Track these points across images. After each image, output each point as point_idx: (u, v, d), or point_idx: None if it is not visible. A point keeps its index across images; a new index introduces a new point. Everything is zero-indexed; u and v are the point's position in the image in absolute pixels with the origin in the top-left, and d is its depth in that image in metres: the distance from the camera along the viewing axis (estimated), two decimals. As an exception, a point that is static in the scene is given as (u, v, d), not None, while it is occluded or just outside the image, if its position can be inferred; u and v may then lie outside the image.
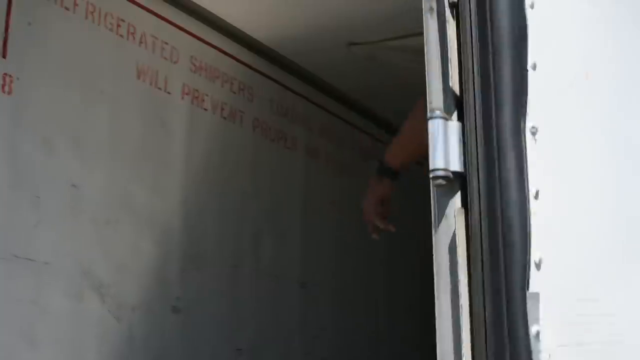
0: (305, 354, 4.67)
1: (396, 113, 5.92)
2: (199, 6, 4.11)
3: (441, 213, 1.49)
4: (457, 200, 1.48)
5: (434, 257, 1.48)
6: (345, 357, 5.02)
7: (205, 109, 4.22)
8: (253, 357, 4.26)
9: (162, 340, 3.76)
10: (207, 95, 4.24)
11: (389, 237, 5.69)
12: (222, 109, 4.33)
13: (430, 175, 1.46)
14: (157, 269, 3.79)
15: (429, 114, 1.46)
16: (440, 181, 1.46)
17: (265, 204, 4.55)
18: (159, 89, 3.94)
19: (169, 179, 3.95)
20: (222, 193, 4.25)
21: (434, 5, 1.53)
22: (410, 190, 5.98)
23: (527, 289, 1.40)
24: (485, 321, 1.40)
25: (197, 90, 4.17)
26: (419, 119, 1.94)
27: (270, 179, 4.62)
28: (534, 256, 1.42)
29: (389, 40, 4.55)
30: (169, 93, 3.99)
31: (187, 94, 4.10)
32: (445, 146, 1.44)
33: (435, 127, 1.45)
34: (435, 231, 1.50)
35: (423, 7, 1.53)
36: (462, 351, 1.42)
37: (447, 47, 1.51)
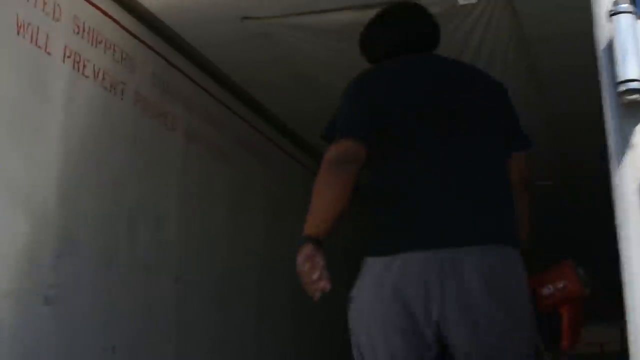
0: (178, 355, 4.28)
1: (283, 105, 5.66)
2: (82, -39, 3.67)
3: (625, 141, 1.14)
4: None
5: (615, 200, 1.15)
6: (222, 356, 4.68)
7: (87, 76, 3.76)
8: (128, 357, 3.83)
9: (33, 332, 3.27)
10: (88, 61, 3.77)
11: (266, 230, 5.44)
12: (104, 78, 3.88)
13: (618, 90, 1.13)
14: (29, 252, 3.29)
15: (611, 9, 1.13)
16: (636, 96, 1.11)
17: (142, 187, 4.13)
18: (39, 47, 3.45)
19: (46, 150, 3.46)
20: (99, 171, 3.80)
21: None
22: (290, 185, 5.78)
23: None
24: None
25: (79, 55, 3.70)
26: (328, 183, 2.28)
27: (148, 160, 4.20)
28: None
29: (285, 17, 4.26)
30: (49, 54, 3.51)
31: (68, 57, 3.63)
32: (638, 50, 1.09)
33: (622, 24, 1.11)
34: (618, 165, 1.15)
35: None
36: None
37: None
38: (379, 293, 2.26)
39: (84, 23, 3.75)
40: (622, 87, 1.07)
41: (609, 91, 1.12)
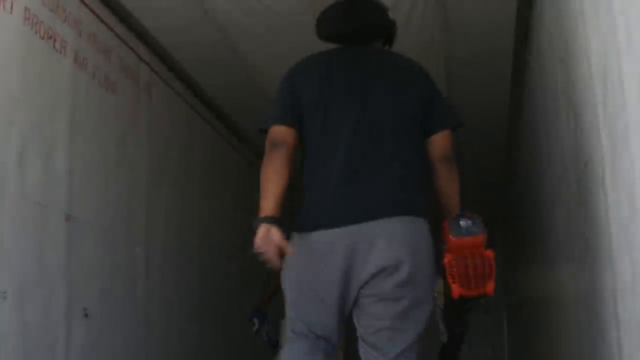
0: (69, 301, 3.90)
1: (172, 34, 5.25)
2: None
3: None
4: None
5: None
6: (109, 306, 4.34)
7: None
8: (18, 303, 3.43)
9: None
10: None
11: (150, 171, 5.10)
12: (-11, -11, 3.40)
13: None
14: None
15: None
16: None
17: (32, 116, 3.69)
18: None
19: None
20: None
21: None
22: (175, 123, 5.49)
23: None
24: None
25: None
26: (266, 166, 2.65)
27: (37, 84, 3.75)
28: None
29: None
30: None
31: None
32: None
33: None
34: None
35: None
36: None
37: None
38: (305, 255, 2.64)
39: None
40: None
41: None
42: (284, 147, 2.67)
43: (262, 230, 2.52)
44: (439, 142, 2.80)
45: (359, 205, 2.62)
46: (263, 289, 5.13)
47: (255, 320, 5.11)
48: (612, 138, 2.36)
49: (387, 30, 2.98)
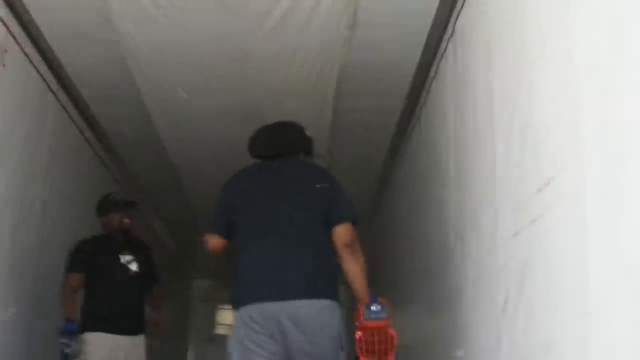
0: None
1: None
2: None
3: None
4: None
5: None
6: None
7: None
8: None
9: None
10: None
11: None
12: None
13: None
14: None
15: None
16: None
17: None
18: None
19: None
20: None
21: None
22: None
23: None
24: None
25: None
26: None
27: None
28: None
29: None
30: None
31: None
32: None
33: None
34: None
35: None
36: None
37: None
38: (241, 327, 3.49)
39: None
40: None
41: None
42: (217, 252, 3.79)
43: None
44: (340, 232, 3.58)
45: (281, 286, 3.45)
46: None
47: (68, 340, 4.69)
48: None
49: (302, 146, 3.90)
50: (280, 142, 3.85)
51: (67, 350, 4.76)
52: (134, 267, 5.20)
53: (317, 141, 6.22)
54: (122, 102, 5.89)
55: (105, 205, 5.29)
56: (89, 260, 5.05)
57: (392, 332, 3.57)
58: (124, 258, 5.18)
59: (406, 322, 6.10)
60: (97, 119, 6.25)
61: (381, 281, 7.77)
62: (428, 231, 5.11)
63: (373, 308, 3.54)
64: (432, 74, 4.92)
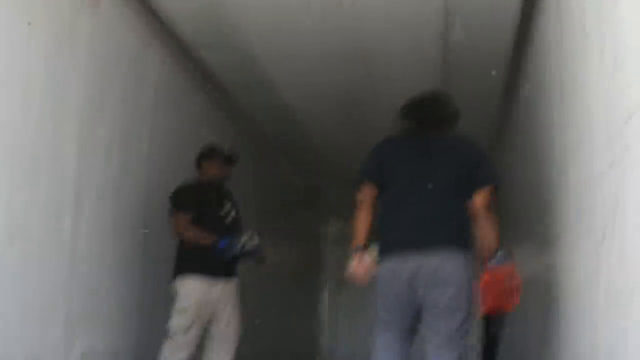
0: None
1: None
2: None
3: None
4: None
5: None
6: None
7: None
8: None
9: None
10: None
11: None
12: None
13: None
14: None
15: None
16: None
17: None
18: None
19: None
20: None
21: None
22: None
23: None
24: None
25: None
26: (356, 213, 4.04)
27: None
28: None
29: None
30: None
31: None
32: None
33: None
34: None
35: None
36: None
37: None
38: (384, 274, 3.94)
39: None
40: None
41: None
42: (368, 201, 4.05)
43: (356, 256, 3.97)
44: (479, 195, 3.92)
45: (422, 242, 3.85)
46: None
47: (227, 242, 4.92)
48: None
49: (449, 120, 4.19)
50: (430, 118, 4.15)
51: (241, 244, 4.98)
52: (231, 216, 5.26)
53: (428, 76, 6.29)
54: (224, 47, 5.96)
55: (212, 153, 5.33)
56: (196, 204, 5.10)
57: (517, 277, 3.94)
58: (225, 207, 5.25)
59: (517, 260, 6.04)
60: (202, 62, 6.35)
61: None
62: (536, 169, 5.01)
63: (499, 255, 3.87)
64: (536, 9, 4.78)
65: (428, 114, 4.17)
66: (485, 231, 3.91)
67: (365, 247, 3.97)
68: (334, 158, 9.50)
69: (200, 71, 6.46)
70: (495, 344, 4.44)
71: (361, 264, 3.93)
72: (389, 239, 3.96)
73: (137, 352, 4.86)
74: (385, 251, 3.95)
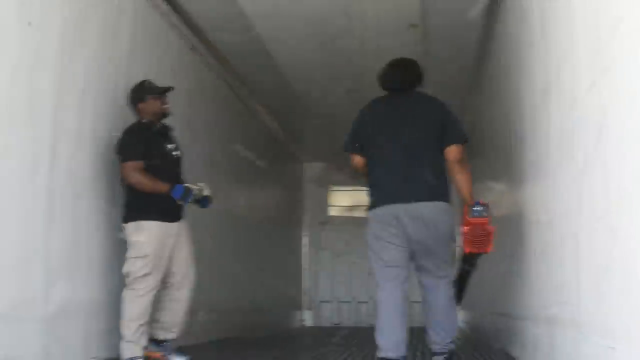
0: None
1: None
2: None
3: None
4: None
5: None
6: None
7: None
8: None
9: None
10: None
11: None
12: None
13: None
14: None
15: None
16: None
17: None
18: None
19: None
20: None
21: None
22: None
23: None
24: None
25: None
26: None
27: None
28: None
29: None
30: None
31: None
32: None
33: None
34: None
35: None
36: None
37: None
38: (375, 223, 4.46)
39: None
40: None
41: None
42: (359, 168, 4.66)
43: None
44: (451, 151, 4.41)
45: (406, 192, 4.34)
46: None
47: (181, 192, 4.85)
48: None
49: (418, 80, 4.67)
50: (402, 79, 4.63)
51: (193, 196, 4.92)
52: (177, 152, 5.10)
53: (409, 7, 6.23)
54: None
55: (144, 91, 5.06)
56: (144, 147, 4.88)
57: (491, 228, 4.38)
58: (169, 144, 5.06)
59: (502, 191, 6.06)
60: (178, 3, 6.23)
61: (479, 151, 7.65)
62: (518, 94, 5.02)
63: (476, 208, 4.34)
64: None
65: (401, 75, 4.65)
66: (460, 182, 4.41)
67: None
68: (313, 103, 9.47)
69: (178, 13, 6.35)
70: (465, 279, 4.80)
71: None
72: (376, 195, 4.48)
73: (116, 302, 4.77)
74: (373, 205, 4.47)
